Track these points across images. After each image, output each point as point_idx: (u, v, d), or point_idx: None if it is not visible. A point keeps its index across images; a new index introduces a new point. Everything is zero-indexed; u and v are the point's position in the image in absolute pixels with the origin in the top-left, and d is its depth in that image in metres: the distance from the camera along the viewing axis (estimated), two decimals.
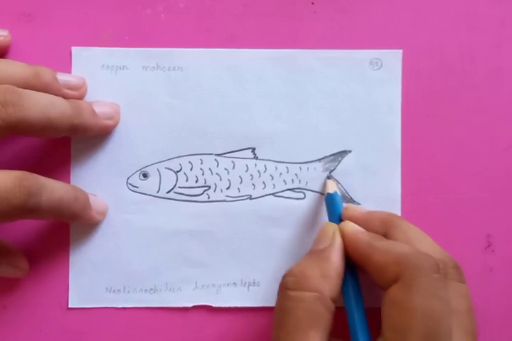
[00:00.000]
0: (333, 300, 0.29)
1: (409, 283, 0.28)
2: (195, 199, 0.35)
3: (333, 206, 0.34)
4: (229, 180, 0.35)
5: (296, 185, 0.35)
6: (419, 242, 0.31)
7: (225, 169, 0.35)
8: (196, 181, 0.35)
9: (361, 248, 0.30)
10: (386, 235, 0.31)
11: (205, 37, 0.35)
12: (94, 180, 0.35)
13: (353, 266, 0.31)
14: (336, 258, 0.30)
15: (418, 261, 0.28)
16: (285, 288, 0.30)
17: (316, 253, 0.31)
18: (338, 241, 0.31)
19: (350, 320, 0.30)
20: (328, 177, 0.35)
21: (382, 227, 0.32)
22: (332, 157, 0.35)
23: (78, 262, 0.35)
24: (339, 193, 0.34)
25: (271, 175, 0.35)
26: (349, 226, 0.32)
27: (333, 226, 0.32)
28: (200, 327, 0.35)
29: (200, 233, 0.35)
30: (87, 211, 0.33)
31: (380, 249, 0.29)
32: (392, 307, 0.28)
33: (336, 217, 0.33)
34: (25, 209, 0.29)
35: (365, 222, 0.32)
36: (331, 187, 0.34)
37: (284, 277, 0.30)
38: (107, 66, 0.35)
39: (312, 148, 0.35)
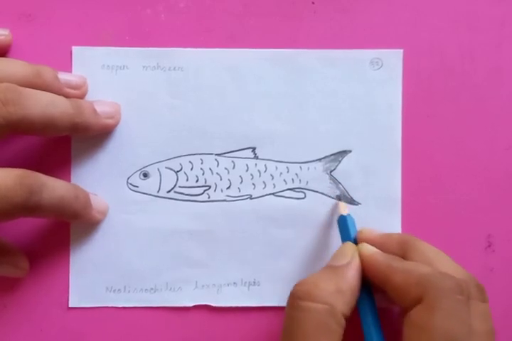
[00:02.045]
0: (345, 317, 0.29)
1: (432, 305, 0.27)
2: (195, 199, 0.35)
3: (347, 228, 0.33)
4: (229, 179, 0.35)
5: (296, 184, 0.35)
6: (439, 262, 0.30)
7: (226, 169, 0.35)
8: (196, 181, 0.35)
9: (380, 269, 0.30)
10: (404, 257, 0.31)
11: (205, 37, 0.35)
12: (95, 179, 0.35)
13: (369, 287, 0.31)
14: (352, 276, 0.30)
15: (441, 282, 0.28)
16: (296, 297, 0.29)
17: (332, 268, 0.31)
18: (356, 261, 0.31)
19: (367, 338, 0.30)
20: (339, 199, 0.35)
21: (400, 249, 0.31)
22: (332, 157, 0.35)
23: (78, 262, 0.35)
24: (352, 216, 0.34)
25: (271, 175, 0.35)
26: (367, 248, 0.31)
27: (353, 246, 0.32)
28: (200, 327, 0.35)
29: (200, 233, 0.35)
30: (88, 210, 0.33)
31: (400, 270, 0.29)
32: (414, 330, 0.27)
33: (351, 239, 0.33)
34: (26, 207, 0.29)
35: (381, 244, 0.32)
36: (343, 209, 0.34)
37: (296, 286, 0.30)
38: (108, 66, 0.35)
39: (312, 147, 0.35)
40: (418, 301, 0.28)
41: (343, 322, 0.29)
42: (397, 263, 0.30)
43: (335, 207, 0.35)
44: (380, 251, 0.31)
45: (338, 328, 0.28)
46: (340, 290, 0.29)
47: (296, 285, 0.30)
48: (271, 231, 0.35)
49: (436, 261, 0.30)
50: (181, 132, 0.35)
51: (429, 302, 0.27)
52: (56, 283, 0.35)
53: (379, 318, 0.31)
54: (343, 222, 0.34)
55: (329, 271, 0.31)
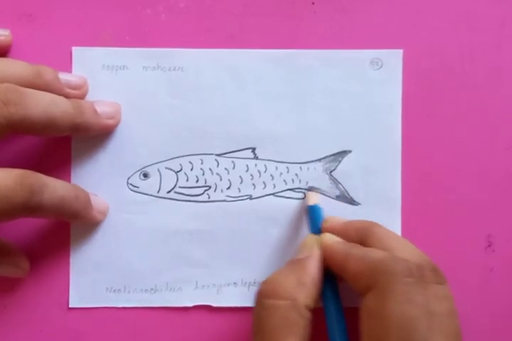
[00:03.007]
0: (309, 309, 0.29)
1: (382, 290, 0.27)
2: (195, 199, 0.35)
3: (313, 218, 0.34)
4: (229, 180, 0.35)
5: (296, 185, 0.35)
6: (395, 247, 0.30)
7: (226, 169, 0.35)
8: (197, 181, 0.35)
9: (337, 257, 0.30)
10: (364, 243, 0.31)
11: (205, 37, 0.35)
12: (95, 179, 0.35)
13: (334, 278, 0.31)
14: (312, 268, 0.30)
15: (390, 266, 0.28)
16: (261, 296, 0.30)
17: (293, 262, 0.31)
18: (316, 252, 0.31)
19: (329, 328, 0.30)
20: (309, 189, 0.35)
21: (359, 236, 0.31)
22: (332, 157, 0.35)
23: (79, 262, 0.35)
24: (320, 205, 0.34)
25: (271, 175, 0.35)
26: (328, 237, 0.32)
27: (314, 238, 0.32)
28: (200, 327, 0.35)
29: (200, 233, 0.35)
30: (88, 210, 0.33)
31: (354, 257, 0.29)
32: (369, 316, 0.28)
33: (317, 229, 0.33)
34: (26, 207, 0.29)
35: (342, 232, 0.32)
36: (312, 199, 0.34)
37: (260, 285, 0.30)
38: (108, 66, 0.35)
39: (312, 148, 0.35)
40: (370, 288, 0.28)
41: (306, 313, 0.29)
42: (354, 250, 0.30)
43: (306, 198, 0.35)
44: (341, 240, 0.31)
45: (301, 321, 0.29)
46: (301, 283, 0.30)
47: (261, 283, 0.30)
48: (271, 231, 0.35)
49: (392, 246, 0.30)
50: (181, 132, 0.35)
51: (380, 288, 0.27)
52: (56, 283, 0.35)
53: (341, 307, 0.31)
54: (309, 213, 0.34)
55: (291, 265, 0.31)
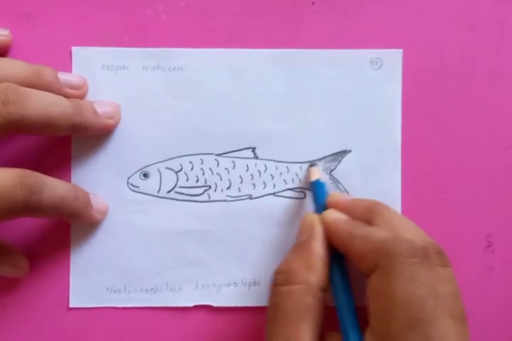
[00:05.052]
0: (323, 290, 0.29)
1: (386, 271, 0.27)
2: (195, 199, 0.35)
3: (317, 194, 0.33)
4: (229, 179, 0.35)
5: (296, 184, 0.35)
6: (401, 228, 0.30)
7: (226, 169, 0.35)
8: (197, 181, 0.35)
9: (341, 236, 0.30)
10: (369, 222, 0.31)
11: (205, 37, 0.35)
12: (95, 179, 0.35)
13: (340, 254, 0.31)
14: (318, 248, 0.30)
15: (394, 247, 0.28)
16: (276, 284, 0.30)
17: (298, 246, 0.31)
18: (318, 231, 0.31)
19: (338, 308, 0.30)
20: (311, 165, 0.35)
21: (366, 215, 0.31)
22: (332, 157, 0.35)
23: (79, 262, 0.35)
24: (322, 180, 0.34)
25: (271, 175, 0.35)
26: (331, 214, 0.32)
27: (312, 216, 0.32)
28: (200, 327, 0.35)
29: (200, 233, 0.35)
30: (88, 210, 0.33)
31: (358, 237, 0.29)
32: (374, 297, 0.28)
33: (321, 205, 0.33)
34: (26, 207, 0.29)
35: (348, 209, 0.32)
36: (314, 175, 0.34)
37: (274, 275, 0.30)
38: (107, 66, 0.35)
39: (312, 147, 0.35)
40: (375, 268, 0.28)
41: (321, 295, 0.29)
42: (358, 229, 0.30)
43: (308, 174, 0.35)
44: (344, 218, 0.31)
45: (316, 303, 0.29)
46: (310, 266, 0.30)
47: (273, 273, 0.30)
48: (271, 231, 0.35)
49: (397, 227, 0.30)
50: (181, 132, 0.35)
51: (384, 268, 0.27)
52: (56, 284, 0.35)
53: (349, 283, 0.31)
54: (314, 188, 0.34)
55: (296, 248, 0.31)
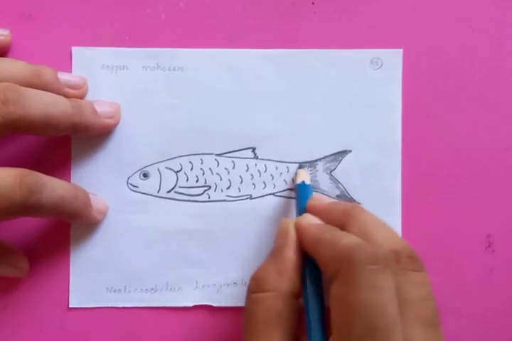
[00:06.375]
0: (296, 296, 0.29)
1: (346, 278, 0.27)
2: (195, 199, 0.35)
3: (299, 197, 0.33)
4: (229, 179, 0.35)
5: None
6: (374, 232, 0.29)
7: (226, 169, 0.35)
8: (197, 181, 0.35)
9: (310, 242, 0.30)
10: (343, 227, 0.30)
11: (205, 37, 0.35)
12: (95, 179, 0.35)
13: (313, 259, 0.30)
14: (290, 254, 0.30)
15: (354, 254, 0.27)
16: (249, 291, 0.30)
17: (272, 252, 0.31)
18: (291, 237, 0.31)
19: (306, 314, 0.30)
20: (300, 167, 0.35)
21: (341, 219, 0.30)
22: (332, 157, 0.35)
23: (79, 262, 0.35)
24: (308, 183, 0.33)
25: (271, 175, 0.35)
26: (303, 219, 0.31)
27: (287, 222, 0.32)
28: (200, 327, 0.35)
29: (200, 233, 0.35)
30: (88, 210, 0.33)
31: (324, 243, 0.29)
32: (335, 304, 0.27)
33: (302, 209, 0.32)
34: (25, 206, 0.29)
35: (325, 213, 0.31)
36: (300, 177, 0.34)
37: (250, 281, 0.30)
38: (107, 66, 0.35)
39: (312, 147, 0.35)
40: (336, 275, 0.27)
41: (293, 301, 0.29)
42: (326, 235, 0.29)
43: (295, 176, 0.35)
44: (316, 222, 0.31)
45: (288, 310, 0.29)
46: (281, 273, 0.29)
47: (250, 279, 0.30)
48: (271, 231, 0.35)
49: (372, 231, 0.29)
50: (181, 132, 0.35)
51: (344, 276, 0.27)
52: (56, 284, 0.35)
53: (322, 288, 0.30)
54: (297, 192, 0.33)
55: (270, 255, 0.31)
